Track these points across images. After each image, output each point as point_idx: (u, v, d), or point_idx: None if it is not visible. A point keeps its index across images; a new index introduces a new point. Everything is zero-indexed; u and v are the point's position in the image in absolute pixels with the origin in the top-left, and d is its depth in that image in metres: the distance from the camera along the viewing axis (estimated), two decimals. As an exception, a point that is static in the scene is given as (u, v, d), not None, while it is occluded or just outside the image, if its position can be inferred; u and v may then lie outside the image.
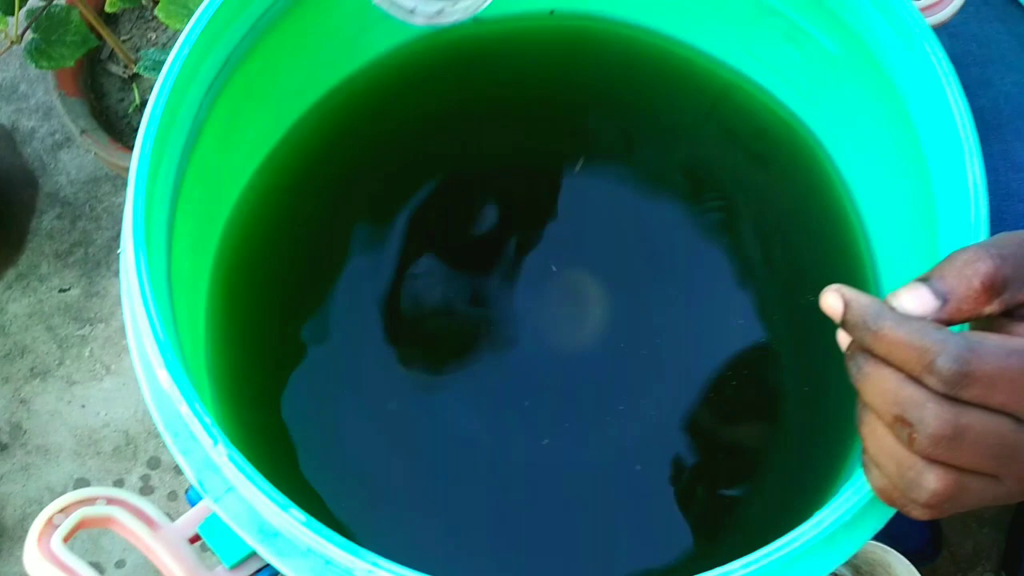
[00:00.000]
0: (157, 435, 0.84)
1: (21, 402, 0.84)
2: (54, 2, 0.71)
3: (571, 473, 0.48)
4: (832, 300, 0.28)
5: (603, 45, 0.57)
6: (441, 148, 0.56)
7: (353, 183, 0.54)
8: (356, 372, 0.50)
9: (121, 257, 0.37)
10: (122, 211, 0.77)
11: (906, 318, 0.27)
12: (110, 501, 0.39)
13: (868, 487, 0.33)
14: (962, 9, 0.48)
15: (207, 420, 0.33)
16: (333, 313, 0.51)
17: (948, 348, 0.25)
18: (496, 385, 0.50)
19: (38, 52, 0.69)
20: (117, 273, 0.87)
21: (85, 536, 0.80)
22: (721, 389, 0.49)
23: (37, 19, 0.70)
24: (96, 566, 0.79)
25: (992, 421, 0.26)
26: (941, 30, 0.56)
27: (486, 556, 0.47)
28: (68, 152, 0.92)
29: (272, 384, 0.49)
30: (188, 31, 0.40)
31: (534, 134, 0.57)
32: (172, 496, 0.82)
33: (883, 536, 0.70)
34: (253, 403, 0.48)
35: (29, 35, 0.70)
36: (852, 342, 0.28)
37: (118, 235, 0.89)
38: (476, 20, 0.56)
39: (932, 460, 0.26)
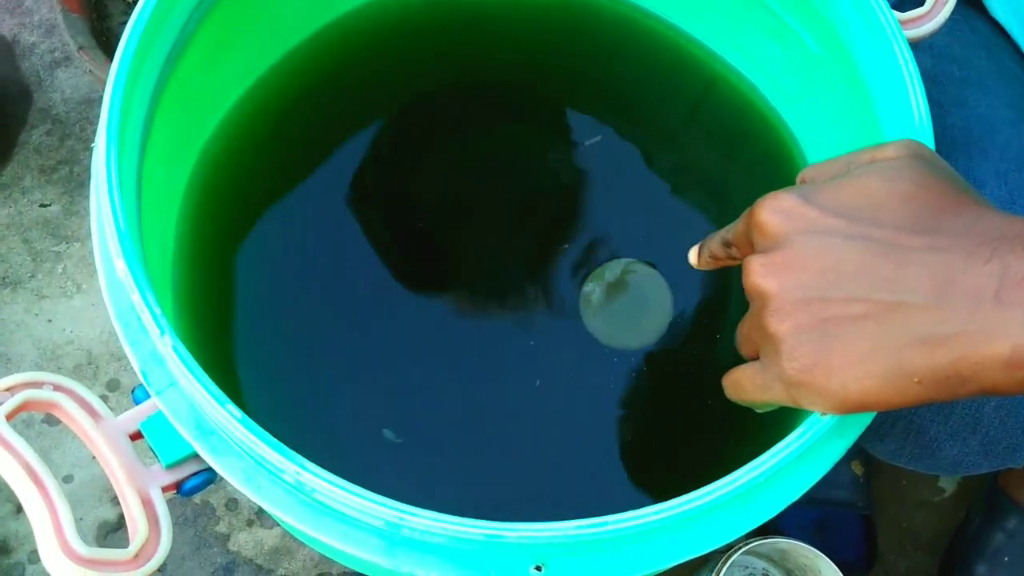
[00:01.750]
0: (120, 358, 0.84)
1: (-12, 308, 0.85)
2: (68, -84, 0.71)
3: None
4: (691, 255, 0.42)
5: (593, 19, 0.58)
6: (426, 99, 0.57)
7: (336, 122, 0.55)
8: (326, 306, 0.51)
9: (93, 151, 0.38)
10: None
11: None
12: (57, 388, 0.40)
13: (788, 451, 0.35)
14: (948, 32, 0.50)
15: (156, 310, 0.34)
16: (304, 247, 0.52)
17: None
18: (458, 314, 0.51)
19: (45, -37, 0.70)
20: (99, 195, 0.88)
21: (36, 448, 0.80)
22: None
23: (49, -70, 0.70)
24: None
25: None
26: (925, 49, 0.58)
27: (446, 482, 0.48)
28: (66, 71, 0.93)
29: (238, 314, 0.50)
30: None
31: (516, 100, 0.58)
32: (127, 419, 0.83)
33: (819, 545, 0.72)
34: (217, 335, 0.49)
35: (39, -55, 0.71)
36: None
37: (105, 158, 0.89)
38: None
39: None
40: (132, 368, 0.84)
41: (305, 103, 0.53)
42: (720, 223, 0.55)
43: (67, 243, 0.88)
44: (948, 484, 0.87)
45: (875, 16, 0.43)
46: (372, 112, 0.55)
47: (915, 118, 0.41)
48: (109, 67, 0.80)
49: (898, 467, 0.87)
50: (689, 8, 0.56)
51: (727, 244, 0.39)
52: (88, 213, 0.88)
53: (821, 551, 0.71)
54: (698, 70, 0.57)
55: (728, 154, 0.56)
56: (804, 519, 0.82)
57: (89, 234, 0.88)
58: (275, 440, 0.33)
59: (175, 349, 0.33)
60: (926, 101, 0.41)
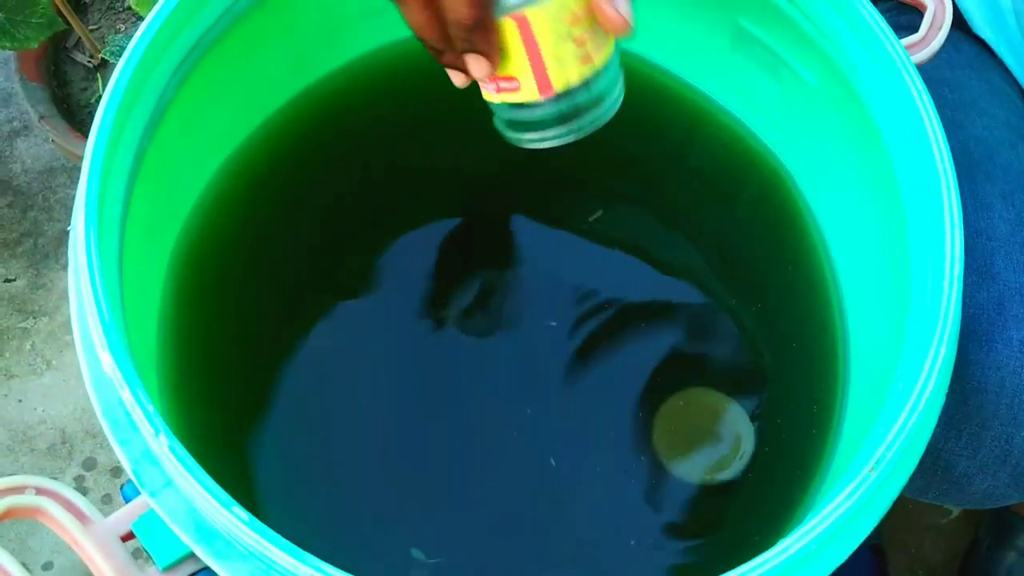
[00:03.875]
0: (95, 435, 0.80)
1: (-46, 392, 0.81)
2: (21, -18, 0.69)
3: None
4: None
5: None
6: (414, 156, 0.54)
7: (321, 186, 0.52)
8: (318, 380, 0.48)
9: (71, 234, 0.35)
10: (76, 201, 0.74)
11: None
12: (40, 491, 0.37)
13: (837, 514, 0.33)
14: (936, 55, 0.49)
15: (149, 408, 0.31)
16: (294, 316, 0.49)
17: None
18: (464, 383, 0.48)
19: (1, 31, 0.67)
20: (66, 266, 0.84)
21: (12, 536, 0.76)
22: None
23: (3, -2, 0.68)
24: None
25: None
26: (915, 74, 0.57)
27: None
28: (25, 140, 0.90)
29: (228, 387, 0.47)
30: (159, 7, 0.38)
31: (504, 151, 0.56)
32: (107, 499, 0.79)
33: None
34: (206, 413, 0.46)
35: (-7, 13, 0.68)
36: None
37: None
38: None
39: None
40: (109, 446, 0.80)
41: (288, 167, 0.51)
42: (723, 271, 0.53)
43: (34, 318, 0.84)
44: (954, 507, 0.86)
45: (881, 46, 0.42)
46: (360, 172, 0.53)
47: (933, 148, 0.40)
48: (71, 135, 0.78)
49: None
50: (677, 46, 0.54)
51: None
52: (54, 286, 0.85)
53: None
54: (686, 108, 0.55)
55: (722, 199, 0.54)
56: (811, 552, 0.80)
57: (57, 307, 0.84)
58: (288, 543, 0.30)
59: (172, 449, 0.30)
60: (942, 128, 0.40)
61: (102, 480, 0.80)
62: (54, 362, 0.83)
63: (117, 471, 0.80)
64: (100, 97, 0.81)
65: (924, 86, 0.41)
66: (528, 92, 0.38)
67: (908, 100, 0.41)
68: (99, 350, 0.32)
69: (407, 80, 0.53)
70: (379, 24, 0.51)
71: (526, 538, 0.45)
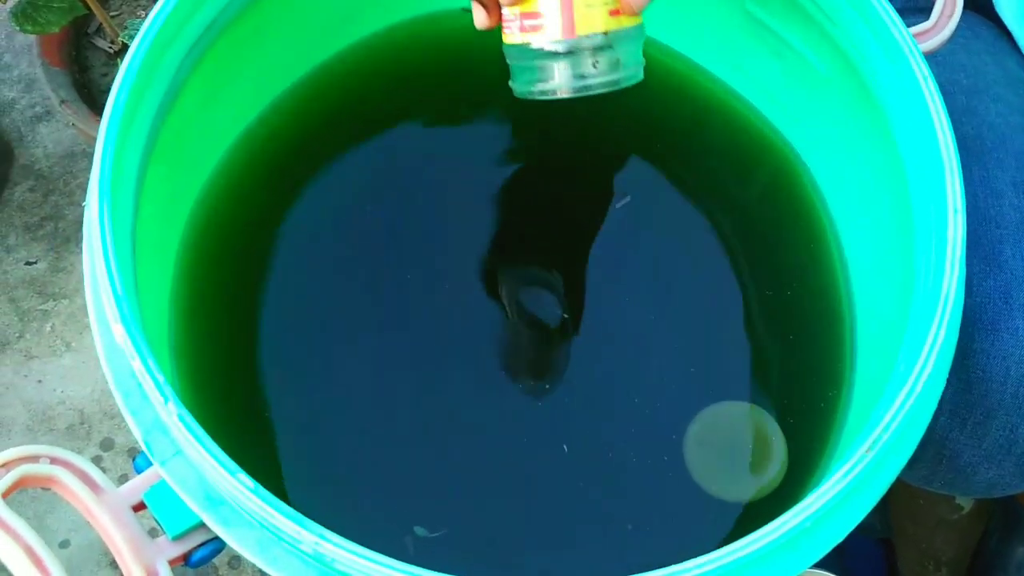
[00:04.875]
0: (112, 416, 0.82)
1: (-25, 372, 0.83)
2: (44, -32, 0.70)
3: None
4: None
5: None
6: (428, 132, 0.55)
7: (334, 162, 0.53)
8: (328, 357, 0.49)
9: (85, 211, 0.36)
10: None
11: None
12: (54, 460, 0.37)
13: (832, 493, 0.33)
14: (952, 40, 0.49)
15: (159, 377, 0.32)
16: (304, 296, 0.50)
17: None
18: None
19: (23, 16, 0.68)
20: (86, 249, 0.85)
21: (31, 513, 0.77)
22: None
23: (25, -17, 0.69)
24: (39, 546, 0.77)
25: None
26: (930, 58, 0.57)
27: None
28: (47, 125, 0.91)
29: (239, 368, 0.48)
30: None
31: (515, 131, 0.56)
32: (123, 479, 0.80)
33: (840, 572, 0.70)
34: (219, 389, 0.47)
35: (16, -2, 0.70)
36: None
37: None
38: (465, 10, 0.56)
39: None
40: (126, 427, 0.82)
41: (300, 144, 0.52)
42: (735, 258, 0.54)
43: (54, 300, 0.85)
44: (966, 501, 0.85)
45: (889, 34, 0.42)
46: (373, 149, 0.53)
47: (939, 136, 0.40)
48: (92, 120, 0.79)
49: (914, 487, 0.86)
50: (689, 31, 0.54)
51: None
52: (74, 269, 0.86)
53: (842, 577, 0.69)
54: (697, 91, 0.56)
55: (733, 186, 0.54)
56: (822, 545, 0.80)
57: (77, 290, 0.86)
58: (291, 510, 0.31)
59: (181, 418, 0.31)
60: (948, 116, 0.40)
61: (119, 460, 0.81)
62: (74, 344, 0.84)
63: (135, 451, 0.81)
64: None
65: (931, 74, 0.41)
66: (552, 30, 0.37)
67: (915, 88, 0.41)
68: (111, 322, 0.33)
69: (423, 57, 0.54)
70: (395, 1, 0.52)
71: (531, 517, 0.45)
